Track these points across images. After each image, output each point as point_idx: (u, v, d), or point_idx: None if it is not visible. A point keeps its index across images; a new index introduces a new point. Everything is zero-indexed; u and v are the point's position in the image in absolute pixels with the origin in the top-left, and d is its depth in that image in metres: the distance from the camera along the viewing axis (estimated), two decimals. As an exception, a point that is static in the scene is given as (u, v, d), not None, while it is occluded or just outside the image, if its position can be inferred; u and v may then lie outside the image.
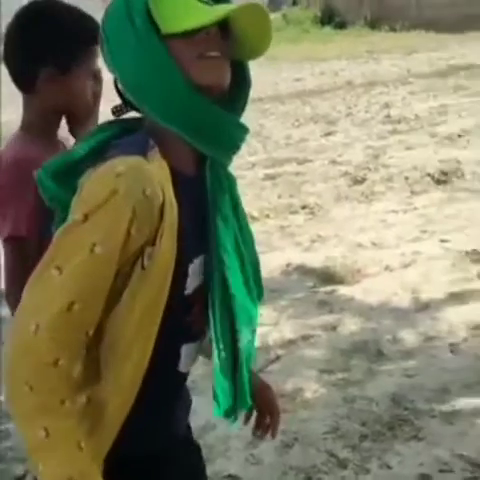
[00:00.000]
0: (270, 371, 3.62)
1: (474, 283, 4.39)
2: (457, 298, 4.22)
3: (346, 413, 3.24)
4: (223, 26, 1.25)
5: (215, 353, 1.33)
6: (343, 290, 4.50)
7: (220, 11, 1.23)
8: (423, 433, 3.05)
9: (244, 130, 1.31)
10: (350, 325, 4.04)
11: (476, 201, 5.91)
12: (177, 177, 1.23)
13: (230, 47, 1.27)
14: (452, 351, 3.65)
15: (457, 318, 3.96)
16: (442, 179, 6.48)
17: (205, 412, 2.58)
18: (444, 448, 2.95)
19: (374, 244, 5.21)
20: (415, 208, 5.89)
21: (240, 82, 1.32)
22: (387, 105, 10.24)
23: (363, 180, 6.77)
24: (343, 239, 5.39)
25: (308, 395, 3.42)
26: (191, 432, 1.60)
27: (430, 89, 11.18)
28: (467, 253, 4.83)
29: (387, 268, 4.77)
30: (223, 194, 1.32)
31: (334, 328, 4.03)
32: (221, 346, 1.31)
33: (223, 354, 1.32)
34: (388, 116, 9.51)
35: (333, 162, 7.60)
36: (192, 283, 1.30)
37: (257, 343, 4.11)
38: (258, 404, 1.57)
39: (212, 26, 1.23)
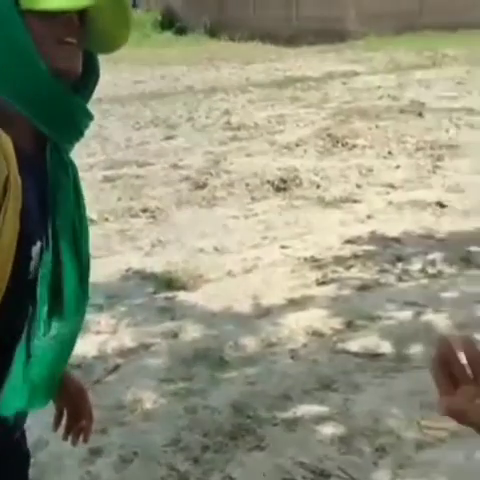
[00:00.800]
0: (108, 381, 3.45)
1: (312, 289, 4.45)
2: (296, 304, 4.25)
3: (187, 424, 3.14)
4: (81, 14, 1.22)
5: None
6: (184, 296, 4.41)
7: None
8: (265, 442, 3.01)
9: (90, 117, 1.29)
10: (192, 332, 3.95)
11: (313, 209, 6.03)
12: (19, 154, 1.16)
13: (86, 36, 1.24)
14: (292, 357, 3.65)
15: (296, 324, 3.98)
16: (281, 186, 6.57)
17: (37, 428, 2.39)
18: (286, 456, 2.92)
19: (216, 249, 5.17)
20: (255, 214, 5.92)
21: (89, 72, 1.30)
22: (227, 112, 10.32)
23: (204, 185, 6.73)
24: (185, 244, 5.31)
25: (148, 406, 3.29)
26: (25, 438, 1.48)
27: (268, 98, 11.40)
28: (306, 259, 4.90)
29: (229, 273, 4.74)
30: (67, 180, 1.27)
31: (175, 335, 3.93)
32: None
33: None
34: (228, 123, 9.58)
35: (174, 166, 7.51)
36: (34, 268, 1.22)
37: (94, 352, 3.92)
38: (69, 406, 1.52)
39: (74, 11, 1.19)
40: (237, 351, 3.73)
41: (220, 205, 6.24)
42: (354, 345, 3.71)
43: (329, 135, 8.38)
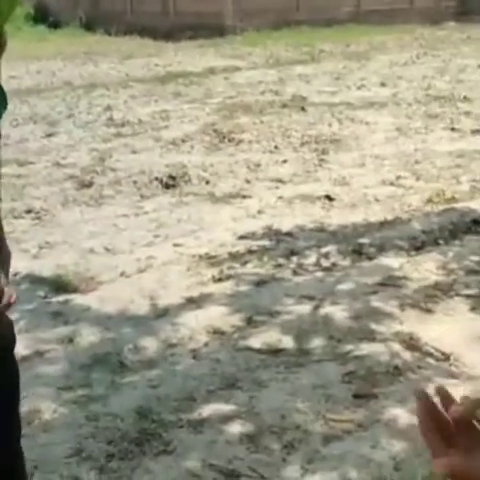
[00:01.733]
0: (2, 393, 3.27)
1: (209, 287, 4.41)
2: (194, 302, 4.19)
3: (90, 432, 3.02)
4: None
5: None
6: (78, 299, 4.26)
7: None
8: (172, 446, 2.94)
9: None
10: (88, 336, 3.81)
11: (203, 205, 5.99)
12: None
13: None
14: (194, 357, 3.59)
15: (196, 323, 3.92)
16: (170, 183, 6.49)
17: None
18: (194, 459, 2.86)
19: (107, 249, 5.03)
20: (146, 212, 5.81)
21: None
22: (109, 108, 10.11)
23: (90, 184, 6.55)
24: (73, 245, 5.13)
25: (47, 416, 3.14)
26: None
27: (150, 94, 11.26)
28: (201, 257, 4.84)
29: (122, 274, 4.62)
30: None
31: (71, 340, 3.78)
32: None
33: None
34: (111, 119, 9.38)
35: (57, 164, 7.28)
36: None
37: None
38: None
39: None
40: (137, 354, 3.63)
41: (108, 204, 6.09)
42: (255, 341, 3.69)
43: (215, 130, 8.36)
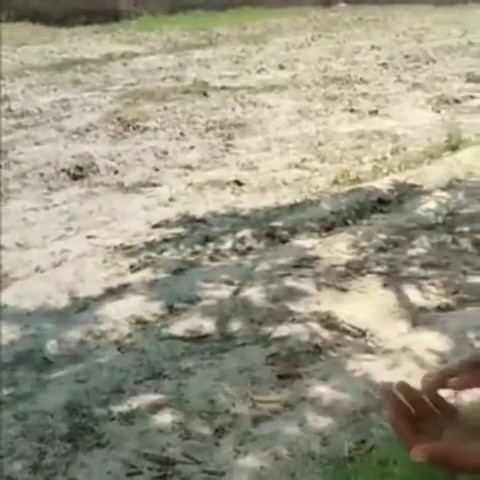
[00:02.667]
0: None
1: (128, 277, 4.42)
2: (114, 294, 4.20)
3: (20, 431, 3.00)
4: None
5: None
6: (-6, 297, 4.19)
7: None
8: (105, 438, 2.96)
9: None
10: (8, 334, 3.76)
11: (114, 195, 5.97)
12: None
13: None
14: (119, 349, 3.61)
15: (118, 314, 3.93)
16: (78, 174, 6.42)
17: None
18: (128, 450, 2.90)
19: (19, 245, 4.95)
20: (55, 205, 5.74)
21: None
22: (7, 98, 9.83)
23: (-5, 177, 6.40)
24: (-17, 242, 5.02)
25: (-27, 418, 3.10)
26: None
27: (48, 83, 11.02)
28: (116, 248, 4.84)
29: (37, 269, 4.56)
30: None
31: (-10, 340, 3.72)
32: None
33: None
34: (10, 110, 9.14)
35: (-43, 159, 7.06)
36: None
37: None
38: None
39: None
40: (60, 349, 3.62)
41: (15, 198, 5.97)
42: (178, 329, 3.74)
43: (119, 119, 8.29)
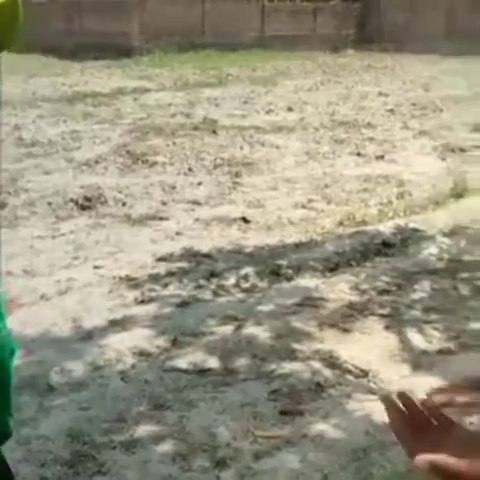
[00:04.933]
0: None
1: (132, 309, 4.45)
2: (118, 325, 4.23)
3: (22, 456, 3.01)
4: None
5: None
6: None
7: None
8: (106, 467, 2.97)
9: None
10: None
11: (121, 226, 6.03)
12: None
13: None
14: (122, 379, 3.63)
15: (122, 345, 3.96)
16: (86, 205, 6.49)
17: None
18: (129, 479, 2.91)
19: (26, 272, 4.99)
20: (63, 234, 5.79)
21: None
22: (18, 127, 9.97)
23: (4, 205, 6.47)
24: (-10, 267, 5.06)
25: (-25, 441, 3.11)
26: None
27: (59, 114, 11.18)
28: (121, 279, 4.88)
29: (43, 297, 4.60)
30: None
31: (-5, 364, 3.74)
32: None
33: None
34: (20, 139, 9.26)
35: (-33, 185, 7.14)
36: None
37: None
38: None
39: None
40: (64, 376, 3.64)
41: (24, 225, 6.03)
42: (182, 362, 3.77)
43: (128, 152, 8.40)
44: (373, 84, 14.75)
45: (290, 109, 11.70)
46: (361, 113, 11.36)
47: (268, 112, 11.44)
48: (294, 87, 14.27)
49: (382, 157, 8.54)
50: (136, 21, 20.07)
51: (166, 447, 3.10)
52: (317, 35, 22.82)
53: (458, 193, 6.81)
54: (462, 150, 8.83)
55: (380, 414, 3.34)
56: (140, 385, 3.57)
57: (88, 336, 4.09)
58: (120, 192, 6.89)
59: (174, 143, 8.91)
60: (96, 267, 5.08)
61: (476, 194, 6.88)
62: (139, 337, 4.06)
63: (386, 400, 0.86)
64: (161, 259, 5.26)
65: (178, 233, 5.83)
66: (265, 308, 4.44)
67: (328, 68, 17.67)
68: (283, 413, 3.34)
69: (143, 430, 3.21)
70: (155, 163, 7.99)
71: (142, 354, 3.88)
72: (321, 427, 3.22)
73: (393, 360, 3.86)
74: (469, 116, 10.91)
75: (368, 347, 3.97)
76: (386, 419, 0.86)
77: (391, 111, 11.58)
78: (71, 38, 20.77)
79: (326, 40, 22.29)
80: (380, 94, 13.39)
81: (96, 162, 8.04)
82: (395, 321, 4.28)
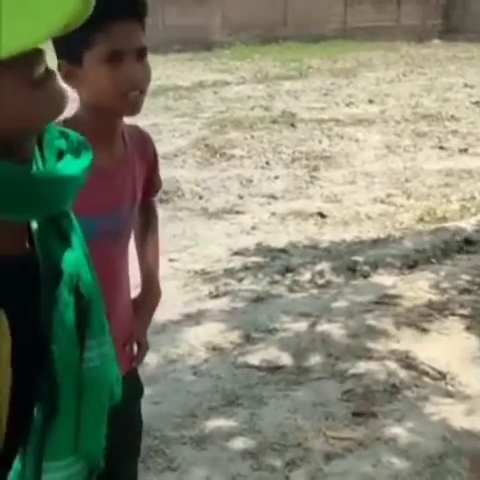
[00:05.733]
0: None
1: (207, 303, 4.44)
2: (192, 319, 4.23)
3: (94, 448, 3.04)
4: None
5: None
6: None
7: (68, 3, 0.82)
8: (176, 462, 2.97)
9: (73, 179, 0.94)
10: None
11: (198, 220, 6.04)
12: None
13: None
14: (195, 373, 3.63)
15: (195, 339, 3.96)
16: (164, 198, 6.52)
17: None
18: (198, 476, 2.90)
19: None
20: (140, 227, 5.84)
21: None
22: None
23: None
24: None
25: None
26: None
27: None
28: (196, 273, 4.88)
29: (119, 289, 4.64)
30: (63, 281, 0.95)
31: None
32: None
33: None
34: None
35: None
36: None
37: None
38: None
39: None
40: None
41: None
42: (254, 358, 3.73)
43: (206, 145, 8.42)
44: (458, 75, 14.35)
45: (371, 101, 11.50)
46: (445, 105, 11.06)
47: (348, 104, 11.27)
48: (375, 79, 14.02)
49: (466, 151, 8.28)
50: (218, 14, 20.14)
51: (236, 444, 3.08)
52: (401, 25, 22.37)
53: None
54: None
55: (458, 419, 3.23)
56: (212, 380, 3.55)
57: (162, 329, 4.10)
58: (197, 185, 6.91)
59: (252, 136, 8.88)
60: (171, 260, 5.10)
61: None
62: (212, 332, 4.05)
63: (474, 464, 0.80)
64: (236, 253, 5.24)
65: (254, 227, 5.79)
66: (340, 305, 4.36)
67: (411, 59, 17.29)
68: (356, 414, 3.26)
69: (214, 426, 3.19)
70: (233, 156, 7.98)
71: (215, 349, 3.87)
72: (395, 430, 3.13)
73: (473, 363, 3.72)
74: None
75: (447, 348, 3.85)
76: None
77: (476, 103, 11.23)
78: (154, 33, 21.01)
79: (410, 30, 21.83)
80: (465, 85, 13.00)
81: (175, 155, 8.09)
82: (476, 322, 4.13)
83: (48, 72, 0.87)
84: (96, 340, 0.99)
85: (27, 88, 0.84)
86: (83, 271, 0.98)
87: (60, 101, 0.88)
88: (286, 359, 3.73)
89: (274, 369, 3.64)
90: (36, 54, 0.84)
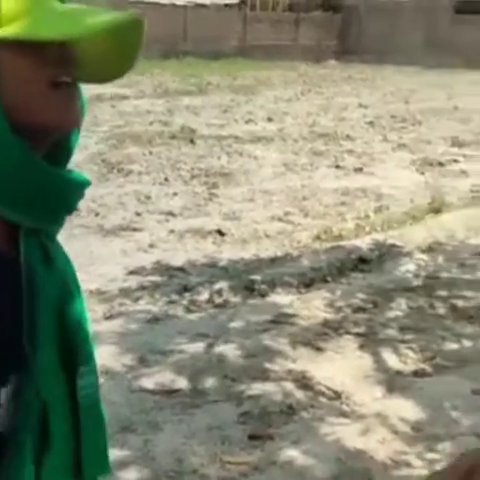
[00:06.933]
0: None
1: (100, 324, 4.31)
2: (86, 341, 4.09)
3: None
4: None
5: None
6: None
7: (94, 20, 0.85)
8: None
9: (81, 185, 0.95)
10: None
11: (94, 238, 5.90)
12: None
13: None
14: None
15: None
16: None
17: None
18: None
19: None
20: (33, 244, 5.65)
21: None
22: None
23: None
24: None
25: None
26: None
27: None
28: (91, 292, 4.75)
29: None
30: (49, 275, 0.90)
31: None
32: None
33: None
34: None
35: None
36: (6, 417, 0.86)
37: None
38: None
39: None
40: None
41: None
42: (149, 382, 3.64)
43: (103, 160, 8.27)
44: (353, 96, 14.73)
45: (270, 119, 11.63)
46: (341, 125, 11.32)
47: (247, 122, 11.36)
48: (274, 97, 14.21)
49: (361, 170, 8.48)
50: (117, 27, 19.97)
51: (130, 474, 2.98)
52: (299, 45, 22.84)
53: (436, 208, 6.75)
54: (440, 164, 8.80)
55: (352, 439, 3.25)
56: (105, 406, 3.43)
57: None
58: (94, 202, 6.75)
59: (151, 152, 8.79)
60: (66, 280, 4.94)
61: (453, 209, 6.83)
62: (105, 355, 3.92)
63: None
64: (133, 272, 5.14)
65: (151, 245, 5.71)
66: (237, 325, 4.33)
67: (309, 79, 17.64)
68: (252, 437, 3.23)
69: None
70: (130, 172, 7.86)
71: (108, 373, 3.75)
72: (291, 453, 3.11)
73: (367, 381, 3.76)
74: (448, 130, 10.90)
75: (342, 367, 3.87)
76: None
77: (370, 123, 11.55)
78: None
79: (308, 51, 22.31)
80: (360, 106, 13.36)
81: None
82: (370, 340, 4.18)
83: (72, 84, 0.88)
84: (86, 367, 0.94)
85: (45, 85, 0.85)
86: (68, 296, 0.94)
87: (73, 112, 0.89)
88: (182, 382, 3.66)
89: (169, 393, 3.56)
90: (68, 62, 0.87)
